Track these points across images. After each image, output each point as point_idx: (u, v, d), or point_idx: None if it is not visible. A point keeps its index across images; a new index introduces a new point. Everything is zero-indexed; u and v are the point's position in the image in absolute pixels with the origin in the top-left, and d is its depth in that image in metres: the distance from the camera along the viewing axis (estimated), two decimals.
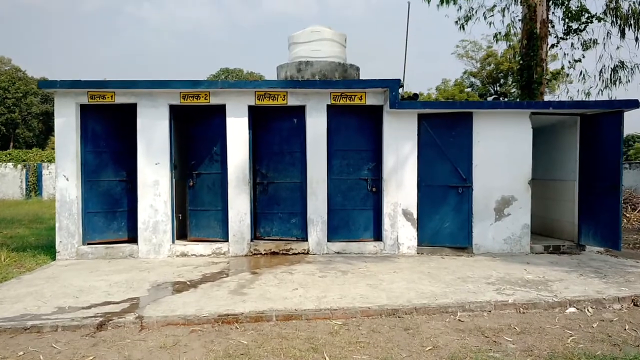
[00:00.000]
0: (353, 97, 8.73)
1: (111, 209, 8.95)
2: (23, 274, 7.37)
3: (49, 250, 9.07)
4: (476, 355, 4.37)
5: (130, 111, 8.72)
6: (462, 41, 39.92)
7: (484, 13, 15.17)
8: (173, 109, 8.75)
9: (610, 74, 14.42)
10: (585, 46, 14.17)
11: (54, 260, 8.45)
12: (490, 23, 15.16)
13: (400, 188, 8.81)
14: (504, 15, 15.12)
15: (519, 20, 14.08)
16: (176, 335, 4.89)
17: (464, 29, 15.51)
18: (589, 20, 13.69)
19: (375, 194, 9.03)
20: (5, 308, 5.52)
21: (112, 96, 8.54)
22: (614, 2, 13.70)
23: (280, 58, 10.13)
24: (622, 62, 14.31)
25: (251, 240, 8.83)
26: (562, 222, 9.67)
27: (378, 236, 9.01)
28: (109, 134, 8.96)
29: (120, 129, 8.96)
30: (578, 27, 13.84)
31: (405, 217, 8.81)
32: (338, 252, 8.77)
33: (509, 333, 4.95)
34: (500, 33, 15.68)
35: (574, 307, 5.75)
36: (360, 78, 9.73)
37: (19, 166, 25.26)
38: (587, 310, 5.68)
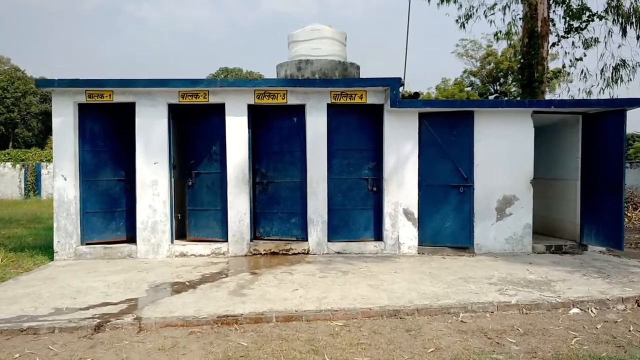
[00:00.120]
0: (353, 95, 8.66)
1: (110, 208, 8.88)
2: (20, 275, 7.30)
3: (47, 250, 8.99)
4: (479, 357, 4.31)
5: (128, 110, 8.64)
6: (462, 40, 39.92)
7: (484, 11, 15.11)
8: (172, 108, 8.68)
9: (612, 73, 14.36)
10: (587, 45, 14.09)
11: (52, 260, 8.38)
12: (491, 21, 15.09)
13: (401, 187, 8.74)
14: (504, 14, 15.06)
15: (520, 18, 14.03)
16: (175, 336, 4.82)
17: (464, 27, 15.45)
18: (590, 19, 13.63)
19: (376, 194, 8.97)
20: (2, 309, 5.45)
21: (110, 95, 8.46)
22: (615, 0, 13.63)
23: (279, 58, 10.09)
24: (623, 61, 14.25)
25: (251, 240, 8.76)
26: (564, 221, 9.61)
27: (379, 236, 8.94)
28: (108, 133, 8.89)
29: (119, 128, 8.89)
30: (579, 26, 13.77)
31: (406, 217, 8.74)
32: (338, 252, 8.71)
33: (512, 334, 4.89)
34: (500, 32, 15.61)
35: (577, 307, 5.69)
36: (361, 77, 9.66)
37: (18, 166, 25.18)
38: (591, 311, 5.62)
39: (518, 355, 4.35)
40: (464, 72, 41.74)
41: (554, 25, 13.79)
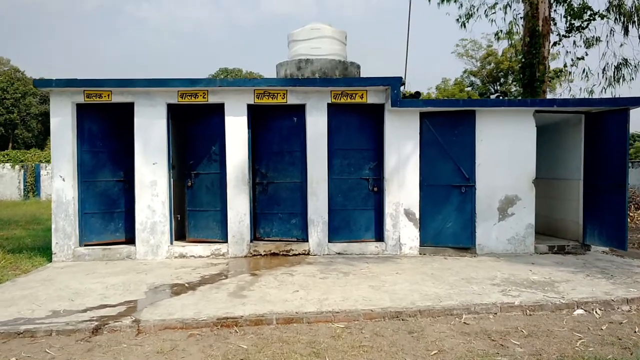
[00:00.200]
0: (354, 95, 8.60)
1: (108, 209, 8.80)
2: (18, 277, 7.23)
3: (45, 251, 8.93)
4: (483, 359, 4.23)
5: (127, 110, 8.57)
6: (462, 40, 39.87)
7: (485, 11, 15.04)
8: (171, 107, 8.61)
9: (614, 72, 14.29)
10: (588, 44, 14.03)
11: (51, 262, 8.31)
12: (491, 20, 15.03)
13: (402, 188, 8.67)
14: (505, 13, 15.00)
15: (521, 17, 13.96)
16: (174, 339, 4.75)
17: (465, 26, 15.38)
18: (591, 18, 13.56)
19: (377, 194, 8.89)
20: None
21: (108, 95, 8.39)
22: None
23: (279, 58, 10.04)
24: (625, 60, 14.17)
25: (251, 241, 8.69)
26: (567, 221, 9.54)
27: (380, 237, 8.87)
28: (106, 133, 8.82)
29: (118, 128, 8.82)
30: (580, 25, 13.70)
31: (407, 217, 8.67)
32: (339, 253, 8.63)
33: (516, 336, 4.82)
34: (501, 31, 15.57)
35: (581, 308, 5.62)
36: (361, 76, 9.59)
37: (17, 167, 25.12)
38: (596, 312, 5.55)
39: (522, 358, 4.27)
40: (464, 72, 41.72)
41: (555, 24, 13.72)
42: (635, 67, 14.09)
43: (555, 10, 13.73)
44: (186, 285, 6.57)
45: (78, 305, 5.63)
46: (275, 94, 8.54)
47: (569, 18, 13.74)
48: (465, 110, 8.61)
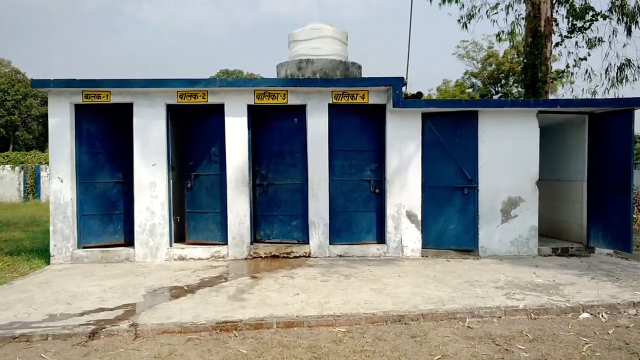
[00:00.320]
0: (355, 95, 8.51)
1: (107, 211, 8.71)
2: (15, 279, 7.14)
3: (43, 254, 8.84)
4: None
5: (126, 111, 8.48)
6: (463, 42, 39.82)
7: (487, 11, 14.94)
8: (170, 108, 8.53)
9: (617, 73, 14.17)
10: (590, 44, 13.91)
11: (49, 264, 8.22)
12: (493, 21, 14.93)
13: (404, 189, 8.58)
14: (507, 13, 14.91)
15: (523, 18, 13.87)
16: (172, 344, 4.66)
17: (466, 27, 15.28)
18: (593, 18, 13.45)
19: (378, 196, 8.80)
20: None
21: (107, 95, 8.31)
22: None
23: (279, 59, 9.96)
24: (628, 60, 14.06)
25: (251, 243, 8.60)
26: (570, 223, 9.43)
27: (381, 239, 8.77)
28: (105, 134, 8.73)
29: (116, 129, 8.73)
30: (582, 26, 13.60)
31: (409, 219, 8.58)
32: (340, 255, 8.54)
33: (521, 340, 4.72)
34: (503, 32, 15.48)
35: (587, 312, 5.52)
36: (362, 77, 9.50)
37: (17, 168, 25.06)
38: (602, 315, 5.45)
39: None
40: (465, 73, 41.70)
41: (557, 25, 13.62)
42: (638, 67, 13.97)
43: (557, 11, 13.64)
44: (185, 288, 6.48)
45: (75, 309, 5.54)
46: (276, 95, 8.46)
47: (571, 19, 13.65)
48: (468, 110, 8.52)
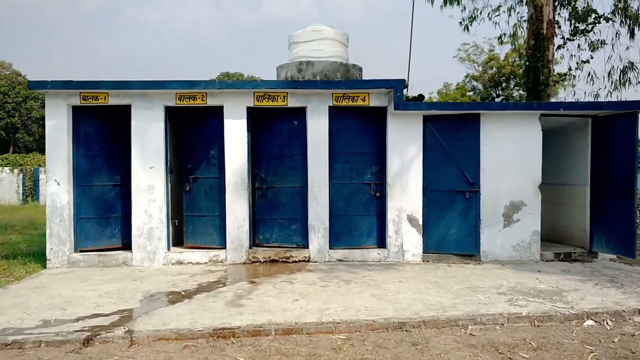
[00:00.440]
0: (356, 98, 8.41)
1: (104, 214, 8.61)
2: (10, 284, 7.04)
3: (40, 257, 8.74)
4: None
5: (124, 113, 8.40)
6: (464, 44, 39.76)
7: (488, 13, 14.86)
8: (169, 110, 8.44)
9: (620, 76, 14.07)
10: (593, 47, 13.81)
11: (45, 268, 8.12)
12: (495, 23, 14.85)
13: (405, 193, 8.48)
14: (510, 15, 14.82)
15: (525, 20, 13.78)
16: (167, 351, 4.55)
17: (468, 29, 15.18)
18: (596, 21, 13.35)
19: (379, 199, 8.70)
20: None
21: (105, 97, 8.22)
22: (622, 1, 13.36)
23: (280, 61, 9.88)
24: (631, 63, 13.94)
25: (250, 248, 8.49)
26: (573, 228, 9.32)
27: (382, 243, 8.67)
28: (103, 136, 8.64)
29: (114, 131, 8.64)
30: (585, 28, 13.50)
31: (410, 223, 8.47)
32: (340, 260, 8.43)
33: (524, 349, 4.62)
34: (505, 34, 15.38)
35: (591, 319, 5.41)
36: (363, 79, 9.42)
37: (16, 171, 24.98)
38: (607, 323, 5.34)
39: None
40: (466, 76, 41.59)
41: (559, 27, 13.53)
42: None
43: (559, 14, 13.54)
44: (182, 293, 6.37)
45: (70, 315, 5.44)
46: (276, 97, 8.36)
47: (573, 21, 13.55)
48: (470, 113, 8.42)
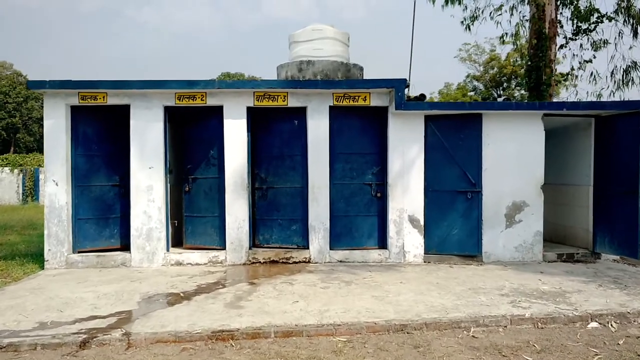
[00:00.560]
0: (357, 97, 8.34)
1: (103, 215, 8.54)
2: (7, 285, 6.97)
3: (38, 258, 8.68)
4: None
5: (123, 113, 8.33)
6: (465, 44, 39.66)
7: (490, 13, 14.76)
8: (168, 110, 8.37)
9: (623, 75, 13.97)
10: (595, 47, 13.71)
11: (43, 269, 8.06)
12: (497, 23, 14.73)
13: (406, 193, 8.40)
14: (511, 15, 14.71)
15: (527, 20, 13.70)
16: (165, 354, 4.48)
17: (469, 29, 15.10)
18: (599, 20, 13.27)
19: (380, 200, 8.63)
20: None
21: (104, 97, 8.16)
22: (625, 0, 13.27)
23: (280, 62, 9.83)
24: (635, 63, 13.82)
25: (249, 248, 8.42)
26: (576, 228, 9.25)
27: (383, 244, 8.60)
28: (101, 136, 8.57)
29: (113, 131, 8.57)
30: (587, 28, 13.42)
31: (411, 224, 8.40)
32: (341, 261, 8.36)
33: (528, 351, 4.54)
34: (507, 34, 15.28)
35: (596, 321, 5.34)
36: (364, 78, 9.34)
37: (16, 171, 24.94)
38: (611, 325, 5.26)
39: None
40: (467, 76, 41.47)
41: (561, 27, 13.45)
42: None
43: (561, 13, 13.45)
44: (181, 294, 6.30)
45: (67, 317, 5.37)
46: (276, 97, 8.30)
47: (575, 20, 13.47)
48: (472, 113, 8.35)
